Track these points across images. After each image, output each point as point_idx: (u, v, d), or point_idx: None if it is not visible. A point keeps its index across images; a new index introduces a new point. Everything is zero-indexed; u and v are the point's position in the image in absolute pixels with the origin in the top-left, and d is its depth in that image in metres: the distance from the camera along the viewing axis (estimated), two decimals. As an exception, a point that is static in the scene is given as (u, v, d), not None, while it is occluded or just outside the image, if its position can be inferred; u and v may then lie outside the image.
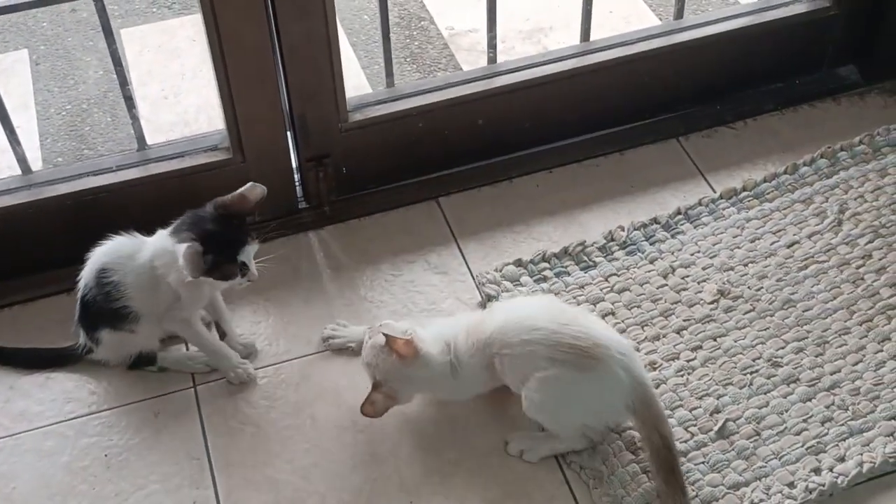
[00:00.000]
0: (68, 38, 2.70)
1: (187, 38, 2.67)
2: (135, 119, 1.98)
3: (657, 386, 1.70)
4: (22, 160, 1.95)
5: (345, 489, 1.64)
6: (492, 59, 2.16)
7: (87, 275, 1.72)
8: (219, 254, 1.62)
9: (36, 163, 2.20)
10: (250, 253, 1.66)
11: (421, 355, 1.61)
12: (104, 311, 1.71)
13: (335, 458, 1.67)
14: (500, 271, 1.90)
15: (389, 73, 2.11)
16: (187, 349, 1.83)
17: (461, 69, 2.57)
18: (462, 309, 1.87)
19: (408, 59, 2.61)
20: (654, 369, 1.72)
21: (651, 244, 1.93)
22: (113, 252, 1.71)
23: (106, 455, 1.69)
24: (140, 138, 1.99)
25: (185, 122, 2.42)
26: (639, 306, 1.82)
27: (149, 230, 1.95)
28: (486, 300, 1.86)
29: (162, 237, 1.68)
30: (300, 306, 1.90)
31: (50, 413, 1.75)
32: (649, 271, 1.88)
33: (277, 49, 1.85)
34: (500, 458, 1.66)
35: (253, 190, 1.67)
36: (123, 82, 1.94)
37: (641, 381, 1.56)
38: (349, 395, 1.75)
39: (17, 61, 2.61)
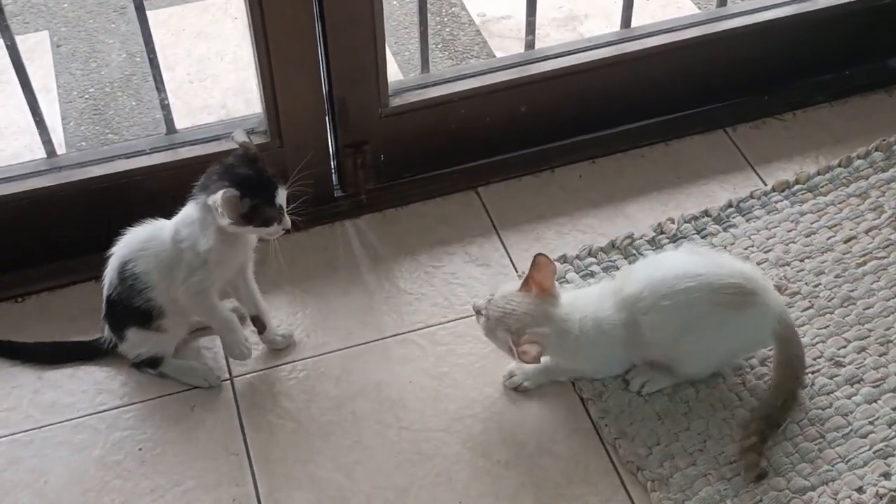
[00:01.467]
0: (90, 20, 2.62)
1: (212, 21, 2.60)
2: (164, 103, 1.91)
3: (715, 386, 1.64)
4: (47, 143, 1.88)
5: (390, 488, 1.57)
6: (530, 45, 2.09)
7: (110, 272, 1.65)
8: (258, 196, 1.55)
9: (59, 147, 2.13)
10: (283, 197, 1.59)
11: (558, 294, 1.60)
12: (130, 308, 1.64)
13: (379, 456, 1.61)
14: (546, 266, 1.83)
15: (425, 59, 2.04)
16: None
17: (494, 56, 2.51)
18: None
19: (439, 46, 2.54)
20: (711, 369, 1.66)
21: (702, 237, 1.87)
22: (131, 242, 1.65)
23: (140, 449, 1.62)
24: (169, 122, 1.92)
25: (212, 108, 2.35)
26: (691, 302, 1.76)
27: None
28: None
29: (185, 209, 1.61)
30: (338, 297, 1.84)
31: (81, 405, 1.68)
32: (701, 265, 1.81)
33: (321, 31, 1.78)
34: (551, 460, 1.60)
35: (239, 134, 1.62)
36: (154, 65, 1.87)
37: (781, 303, 1.62)
38: (391, 391, 1.69)
39: (37, 43, 2.53)
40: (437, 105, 1.95)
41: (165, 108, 1.90)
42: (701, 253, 1.71)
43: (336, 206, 1.99)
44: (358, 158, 1.95)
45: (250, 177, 1.56)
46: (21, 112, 2.25)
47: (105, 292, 1.67)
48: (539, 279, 1.58)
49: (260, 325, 1.74)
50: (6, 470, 1.61)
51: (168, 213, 1.89)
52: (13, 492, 1.58)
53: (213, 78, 2.42)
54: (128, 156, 1.86)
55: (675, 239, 1.87)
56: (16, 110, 2.30)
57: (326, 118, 1.91)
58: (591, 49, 2.05)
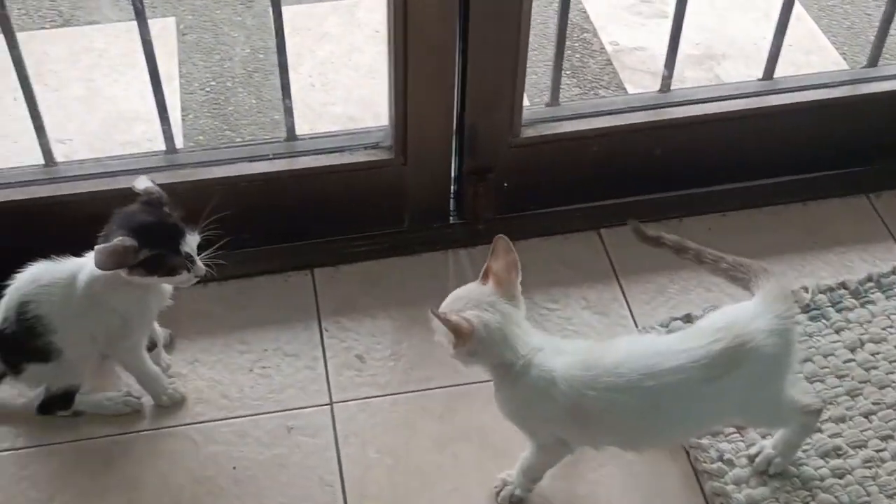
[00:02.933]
0: (217, 10, 2.60)
1: (339, 24, 2.55)
2: (288, 110, 1.86)
3: (841, 476, 1.54)
4: (168, 136, 1.85)
5: (487, 541, 1.51)
6: (666, 83, 2.00)
7: (5, 306, 1.55)
8: (158, 245, 1.46)
9: (177, 138, 2.10)
10: (193, 244, 1.50)
11: (518, 296, 1.42)
12: (27, 347, 1.55)
13: (479, 506, 1.54)
14: (667, 326, 1.74)
15: (556, 88, 1.95)
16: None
17: (624, 88, 2.42)
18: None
19: (567, 73, 2.46)
20: (839, 456, 1.56)
21: (837, 311, 1.76)
22: (35, 280, 1.54)
23: (234, 468, 1.58)
24: (291, 129, 1.87)
25: (334, 115, 2.30)
26: (822, 381, 1.65)
27: (297, 225, 1.87)
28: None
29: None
30: (448, 330, 1.77)
31: (179, 413, 1.65)
32: (835, 342, 1.71)
33: (461, 53, 1.71)
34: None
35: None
36: (284, 71, 1.82)
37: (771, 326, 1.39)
38: (496, 438, 1.62)
39: (163, 29, 2.51)
40: (569, 140, 1.88)
41: (289, 114, 1.85)
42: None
43: (452, 232, 1.93)
44: (480, 186, 1.88)
45: (152, 224, 1.47)
46: (142, 99, 2.26)
47: None
48: (496, 269, 1.41)
49: (150, 343, 1.66)
50: (98, 472, 1.58)
51: (290, 221, 1.86)
52: (105, 496, 1.55)
53: (336, 83, 2.37)
54: (251, 159, 1.82)
55: (808, 310, 1.76)
56: (138, 96, 2.29)
57: (453, 142, 1.85)
58: (732, 98, 1.96)
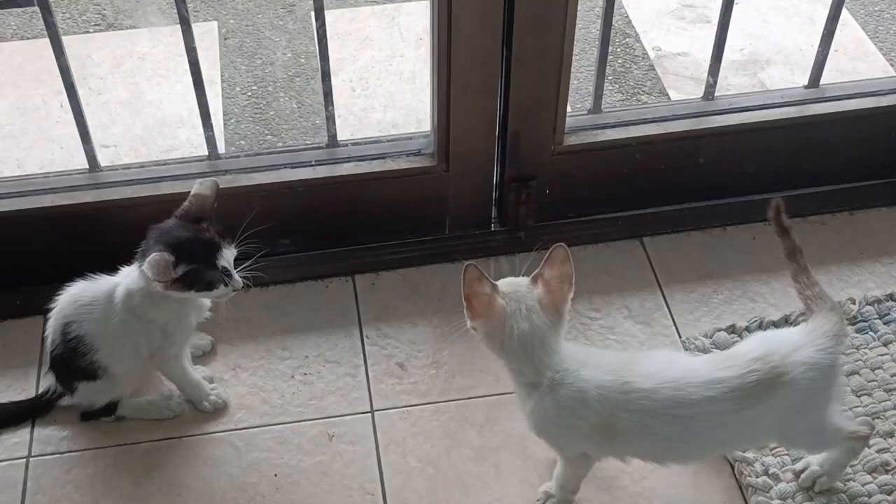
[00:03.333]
0: (259, 14, 2.61)
1: (379, 28, 2.55)
2: (331, 117, 1.86)
3: (889, 493, 1.51)
4: (211, 145, 1.85)
5: (528, 553, 1.50)
6: (710, 90, 1.98)
7: (51, 329, 1.58)
8: (195, 261, 1.46)
9: (219, 142, 2.11)
10: (229, 258, 1.51)
11: (564, 314, 1.36)
12: (75, 367, 1.57)
13: (519, 518, 1.53)
14: (711, 337, 1.72)
15: (599, 95, 1.94)
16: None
17: (667, 94, 2.40)
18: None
19: (609, 78, 2.44)
20: (887, 472, 1.53)
21: (885, 324, 1.73)
22: (74, 301, 1.56)
23: (276, 475, 1.58)
24: (333, 137, 1.87)
25: (375, 121, 2.30)
26: (869, 394, 1.63)
27: (338, 231, 1.87)
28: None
29: (131, 273, 1.52)
30: (489, 339, 1.76)
31: (221, 419, 1.65)
32: (882, 355, 1.69)
33: (505, 60, 1.70)
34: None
35: (204, 185, 1.52)
36: (327, 78, 1.81)
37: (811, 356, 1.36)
38: (537, 449, 1.61)
39: (205, 32, 2.53)
40: (612, 147, 1.86)
41: (331, 121, 1.85)
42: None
43: (493, 239, 1.92)
44: (522, 193, 1.87)
45: (189, 239, 1.47)
46: (185, 103, 2.27)
47: (49, 348, 1.59)
48: (548, 278, 1.35)
49: None
50: (141, 476, 1.59)
51: (328, 229, 1.86)
52: (148, 500, 1.56)
53: (378, 89, 2.37)
54: (293, 166, 1.82)
55: (855, 322, 1.73)
56: (180, 101, 2.30)
57: (496, 149, 1.84)
58: (777, 107, 1.93)
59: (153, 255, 1.43)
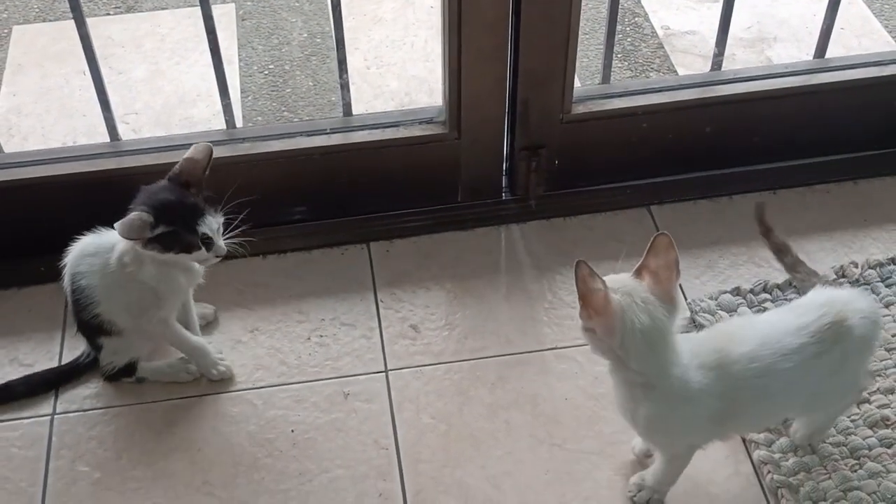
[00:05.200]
0: (275, -5, 2.66)
1: (393, 7, 2.60)
2: (345, 85, 1.91)
3: (889, 446, 1.55)
4: (228, 112, 1.90)
5: (537, 504, 1.54)
6: (718, 63, 2.02)
7: (66, 281, 1.62)
8: (174, 223, 1.49)
9: (237, 120, 2.16)
10: (213, 225, 1.53)
11: (676, 299, 1.31)
12: (83, 319, 1.61)
13: (529, 471, 1.57)
14: (716, 300, 1.76)
15: (608, 69, 1.98)
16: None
17: (675, 72, 2.43)
18: (672, 328, 1.75)
19: (619, 56, 2.48)
20: (887, 426, 1.57)
21: (887, 286, 1.77)
22: (79, 253, 1.60)
23: (293, 431, 1.63)
24: (347, 105, 1.92)
25: (388, 95, 2.35)
26: (872, 353, 1.66)
27: (353, 200, 1.92)
28: (697, 329, 1.73)
29: None
30: (499, 302, 1.81)
31: (239, 379, 1.70)
32: (884, 316, 1.72)
33: (514, 28, 1.75)
34: (707, 500, 1.53)
35: (197, 149, 1.54)
36: (341, 46, 1.86)
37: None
38: (546, 406, 1.65)
39: (223, 14, 2.58)
40: (620, 116, 1.90)
41: (345, 89, 1.89)
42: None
43: (504, 208, 1.96)
44: (533, 162, 1.91)
45: (171, 202, 1.50)
46: (204, 81, 2.32)
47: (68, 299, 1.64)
48: (654, 268, 1.31)
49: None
50: (162, 432, 1.64)
51: (343, 195, 1.90)
52: (169, 455, 1.60)
53: (392, 65, 2.42)
54: (308, 133, 1.86)
55: (858, 284, 1.77)
56: (199, 78, 2.36)
57: (506, 117, 1.88)
58: (784, 76, 1.97)
59: (129, 215, 1.47)
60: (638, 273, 1.32)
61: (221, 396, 1.68)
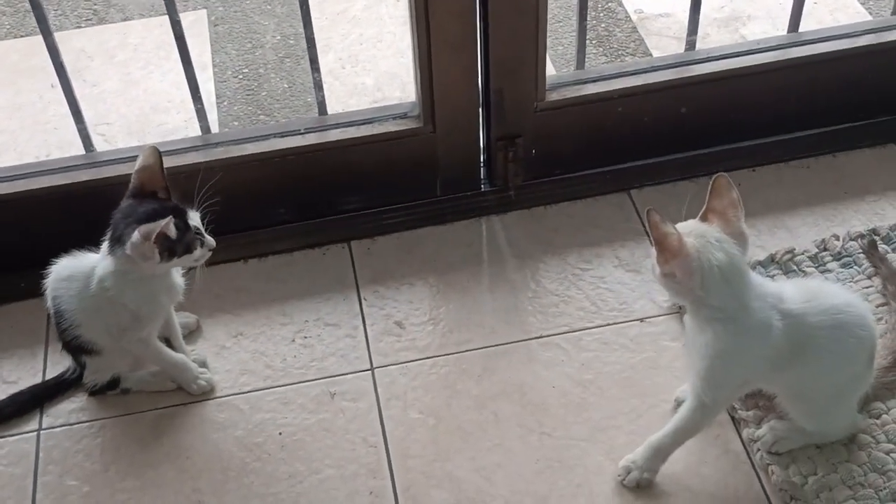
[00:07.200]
0: (247, 0, 2.65)
1: (366, 7, 2.59)
2: (318, 84, 1.90)
3: (878, 416, 1.55)
4: (202, 118, 1.90)
5: (529, 495, 1.53)
6: (691, 45, 2.01)
7: (48, 302, 1.61)
8: (177, 226, 1.47)
9: (212, 126, 2.16)
10: (197, 219, 1.52)
11: (744, 232, 1.36)
12: (68, 340, 1.61)
13: (519, 461, 1.57)
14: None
15: (581, 55, 1.97)
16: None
17: (650, 55, 2.43)
18: (656, 311, 1.75)
19: (593, 42, 2.48)
20: (875, 398, 1.56)
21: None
22: (57, 276, 1.59)
23: (280, 433, 1.62)
24: (321, 104, 1.91)
25: (364, 92, 2.34)
26: (857, 325, 1.66)
27: (332, 200, 1.91)
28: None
29: (103, 260, 1.54)
30: (483, 294, 1.80)
31: (225, 384, 1.69)
32: (867, 287, 1.72)
33: (482, 17, 1.74)
34: (698, 481, 1.53)
35: (144, 155, 1.52)
36: (312, 44, 1.85)
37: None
38: (534, 394, 1.65)
39: (195, 21, 2.57)
40: (594, 102, 1.90)
41: (319, 88, 1.89)
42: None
43: (483, 199, 1.95)
44: (510, 152, 1.91)
45: (157, 210, 1.48)
46: (178, 89, 2.32)
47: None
48: (719, 208, 1.37)
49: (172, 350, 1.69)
50: (149, 442, 1.63)
51: (325, 195, 1.89)
52: (157, 465, 1.60)
53: (365, 63, 2.42)
54: (282, 135, 1.86)
55: (840, 257, 1.77)
56: (173, 87, 2.35)
57: (480, 108, 1.88)
58: (757, 52, 1.96)
59: (157, 226, 1.43)
60: (704, 217, 1.38)
61: (208, 403, 1.67)
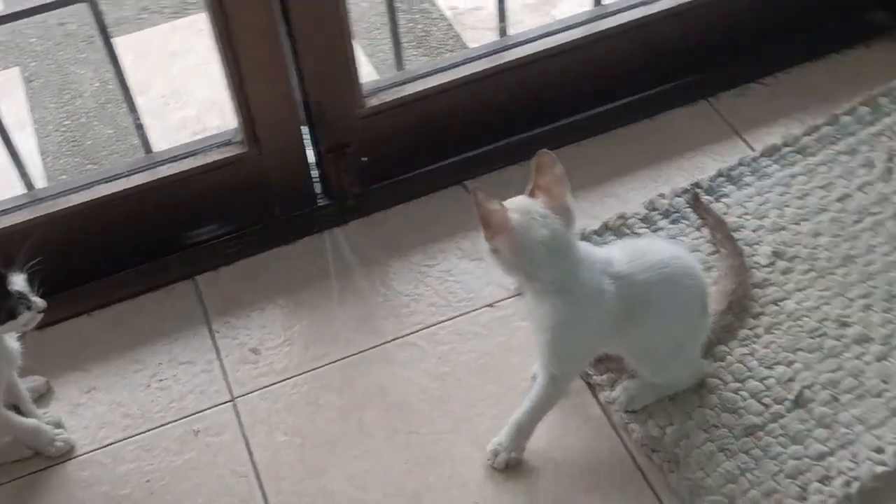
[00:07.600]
0: (59, 52, 2.59)
1: (181, 42, 2.57)
2: (138, 124, 1.88)
3: (723, 358, 1.62)
4: (24, 175, 1.85)
5: (402, 495, 1.55)
6: (502, 32, 2.07)
7: None
8: None
9: (40, 182, 2.10)
10: (20, 282, 1.46)
11: (571, 207, 1.41)
12: None
13: (388, 464, 1.58)
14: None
15: (398, 57, 2.01)
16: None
17: (468, 48, 2.48)
18: (504, 294, 1.79)
19: (412, 44, 2.51)
20: (719, 342, 1.63)
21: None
22: None
23: (147, 481, 1.59)
24: (145, 142, 1.89)
25: (188, 125, 2.32)
26: (690, 274, 1.73)
27: (170, 237, 1.89)
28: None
29: None
30: (334, 307, 1.81)
31: (84, 441, 1.65)
32: (697, 238, 1.79)
33: (288, 34, 1.75)
34: (563, 452, 1.57)
35: None
36: (124, 86, 1.83)
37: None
38: (396, 396, 1.66)
39: (8, 79, 2.50)
40: (413, 101, 1.92)
41: (140, 129, 1.87)
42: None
43: (322, 214, 1.96)
44: (341, 163, 1.92)
45: None
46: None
47: None
48: (545, 185, 1.41)
49: (23, 415, 1.63)
50: (13, 514, 1.58)
51: (163, 235, 1.86)
52: (22, 535, 1.55)
53: (188, 96, 2.39)
54: (107, 180, 1.83)
55: (668, 214, 1.84)
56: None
57: (302, 124, 1.88)
58: (563, 30, 2.02)
59: None
60: (531, 193, 1.42)
61: (69, 463, 1.63)
